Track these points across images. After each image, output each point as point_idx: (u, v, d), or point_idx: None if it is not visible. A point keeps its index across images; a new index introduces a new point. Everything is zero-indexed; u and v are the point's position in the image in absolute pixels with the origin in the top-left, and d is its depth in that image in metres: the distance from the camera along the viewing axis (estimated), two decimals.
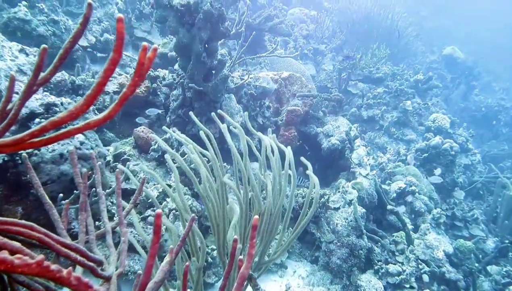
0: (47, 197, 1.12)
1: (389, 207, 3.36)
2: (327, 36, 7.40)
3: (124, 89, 0.76)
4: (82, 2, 3.95)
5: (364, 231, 3.06)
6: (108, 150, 2.56)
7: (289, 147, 1.77)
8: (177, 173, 1.66)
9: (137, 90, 3.06)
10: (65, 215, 1.22)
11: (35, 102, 2.00)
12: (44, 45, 0.83)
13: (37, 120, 1.96)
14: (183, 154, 2.82)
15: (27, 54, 2.03)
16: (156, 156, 2.78)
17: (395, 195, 4.03)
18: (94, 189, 2.02)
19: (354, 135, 4.07)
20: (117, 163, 2.48)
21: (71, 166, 2.08)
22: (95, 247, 1.18)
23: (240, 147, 1.87)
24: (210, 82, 3.01)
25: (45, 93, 2.03)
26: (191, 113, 1.93)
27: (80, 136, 2.11)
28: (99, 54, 3.57)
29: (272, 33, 4.97)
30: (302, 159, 1.74)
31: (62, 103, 2.06)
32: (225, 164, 2.98)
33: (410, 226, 3.50)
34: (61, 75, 2.41)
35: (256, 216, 0.73)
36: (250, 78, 3.57)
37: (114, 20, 3.88)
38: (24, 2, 2.72)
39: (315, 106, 4.37)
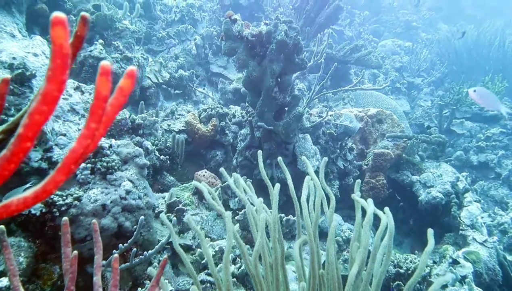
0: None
1: None
2: (424, 69, 6.55)
3: (74, 145, 0.37)
4: (162, 40, 4.01)
5: None
6: (163, 198, 2.29)
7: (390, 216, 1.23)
8: (232, 234, 1.22)
9: (203, 129, 2.81)
10: None
11: None
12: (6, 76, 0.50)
13: (82, 165, 1.76)
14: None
15: (82, 92, 1.90)
16: None
17: None
18: (135, 249, 1.72)
19: (463, 188, 3.23)
20: (170, 214, 2.18)
21: (113, 219, 1.82)
22: None
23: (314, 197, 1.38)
24: (282, 120, 2.61)
25: None
26: (259, 153, 1.54)
27: (127, 184, 1.85)
28: (173, 91, 3.48)
29: (359, 65, 4.45)
30: (429, 232, 1.17)
31: (111, 146, 1.84)
32: (295, 218, 2.48)
33: None
34: (122, 114, 2.26)
35: None
36: (330, 115, 3.08)
37: (191, 56, 3.83)
38: (100, 41, 2.73)
39: (410, 149, 3.65)
